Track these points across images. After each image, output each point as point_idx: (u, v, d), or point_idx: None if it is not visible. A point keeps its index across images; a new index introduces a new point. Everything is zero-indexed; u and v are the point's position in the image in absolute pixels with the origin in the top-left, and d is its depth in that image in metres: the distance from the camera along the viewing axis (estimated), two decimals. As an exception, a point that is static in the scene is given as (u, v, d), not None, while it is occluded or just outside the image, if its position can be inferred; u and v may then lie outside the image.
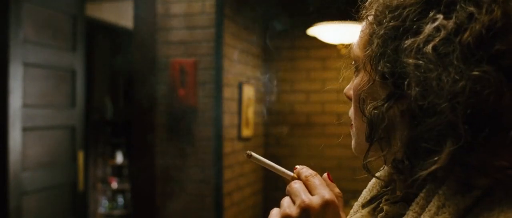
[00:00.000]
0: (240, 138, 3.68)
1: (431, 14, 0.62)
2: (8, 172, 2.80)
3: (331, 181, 0.74)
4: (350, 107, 0.77)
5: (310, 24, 3.41)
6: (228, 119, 3.44)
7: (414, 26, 0.63)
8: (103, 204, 6.14)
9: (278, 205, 0.74)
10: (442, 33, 0.59)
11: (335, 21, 3.13)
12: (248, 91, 3.81)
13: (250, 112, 3.84)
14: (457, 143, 0.58)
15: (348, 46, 0.78)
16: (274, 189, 4.28)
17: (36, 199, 3.04)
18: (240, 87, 3.67)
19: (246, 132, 3.79)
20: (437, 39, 0.59)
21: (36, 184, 3.02)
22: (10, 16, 2.82)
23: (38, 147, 3.05)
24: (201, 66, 3.28)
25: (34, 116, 3.00)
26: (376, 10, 0.69)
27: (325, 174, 0.75)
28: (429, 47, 0.60)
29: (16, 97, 2.85)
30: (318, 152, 4.27)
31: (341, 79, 0.81)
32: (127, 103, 6.22)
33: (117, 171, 6.29)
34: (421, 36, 0.61)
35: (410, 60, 0.61)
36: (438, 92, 0.59)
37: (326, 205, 0.68)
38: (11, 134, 2.81)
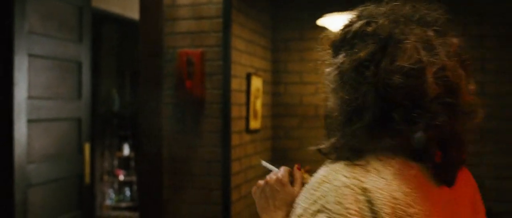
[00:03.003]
0: (248, 130, 3.63)
1: (342, 49, 0.87)
2: (13, 164, 2.77)
3: (299, 169, 1.10)
4: None
5: (320, 14, 3.35)
6: (236, 111, 3.39)
7: (336, 56, 0.88)
8: (110, 196, 6.14)
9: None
10: (345, 63, 0.84)
11: (344, 12, 3.06)
12: (256, 83, 3.76)
13: (258, 104, 3.79)
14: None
15: None
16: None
17: (42, 191, 3.01)
18: (248, 78, 3.62)
19: (254, 124, 3.74)
20: (342, 68, 0.84)
21: (42, 176, 3.00)
22: (15, 7, 2.78)
23: (43, 139, 3.02)
24: (209, 57, 3.23)
25: (40, 107, 2.97)
26: None
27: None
28: (334, 74, 0.86)
29: (21, 89, 2.82)
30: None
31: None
32: (133, 95, 6.20)
33: (124, 163, 6.29)
34: (334, 66, 0.87)
35: (330, 84, 0.88)
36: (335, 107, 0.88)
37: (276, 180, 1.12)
38: (17, 126, 2.78)
